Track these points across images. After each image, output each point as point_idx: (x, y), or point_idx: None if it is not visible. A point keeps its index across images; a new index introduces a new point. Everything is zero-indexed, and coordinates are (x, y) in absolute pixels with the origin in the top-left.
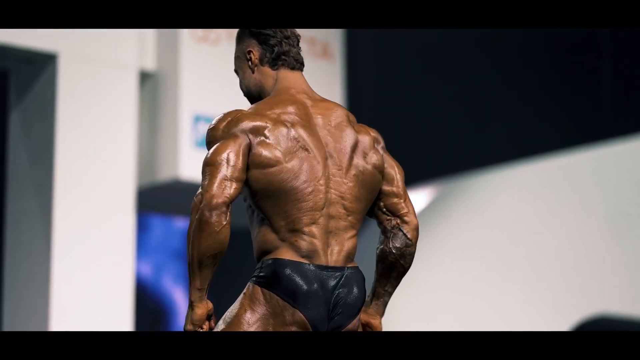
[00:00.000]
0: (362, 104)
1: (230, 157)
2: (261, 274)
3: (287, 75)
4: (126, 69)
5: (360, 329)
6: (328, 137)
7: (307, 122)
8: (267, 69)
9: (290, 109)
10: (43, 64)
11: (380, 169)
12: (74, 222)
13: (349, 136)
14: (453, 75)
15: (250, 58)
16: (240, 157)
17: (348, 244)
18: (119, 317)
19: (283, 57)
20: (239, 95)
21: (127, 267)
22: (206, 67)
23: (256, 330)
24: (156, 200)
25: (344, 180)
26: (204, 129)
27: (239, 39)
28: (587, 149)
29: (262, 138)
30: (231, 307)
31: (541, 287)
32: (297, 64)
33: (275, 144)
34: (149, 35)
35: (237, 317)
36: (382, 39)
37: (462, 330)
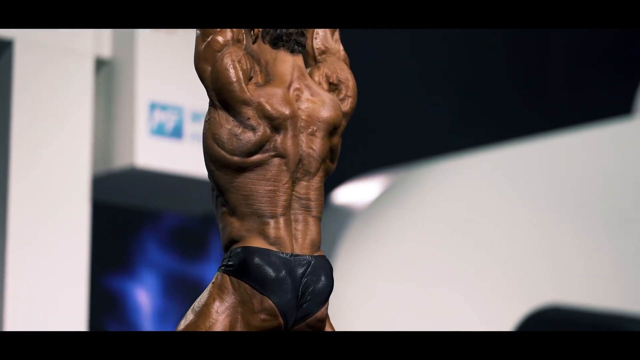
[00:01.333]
0: None
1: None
2: (230, 262)
3: (285, 59)
4: (82, 57)
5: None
6: (304, 142)
7: (290, 126)
8: (267, 47)
9: (279, 108)
10: None
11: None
12: (29, 209)
13: (326, 143)
14: (408, 63)
15: (254, 32)
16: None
17: (312, 233)
18: (73, 304)
19: (285, 37)
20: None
21: (82, 254)
22: (162, 55)
23: (225, 319)
24: (112, 188)
25: (311, 184)
26: (159, 116)
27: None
28: (540, 139)
29: (244, 120)
30: (200, 297)
31: (493, 277)
32: (298, 47)
33: (245, 138)
34: None
35: (206, 306)
36: None
37: (413, 320)
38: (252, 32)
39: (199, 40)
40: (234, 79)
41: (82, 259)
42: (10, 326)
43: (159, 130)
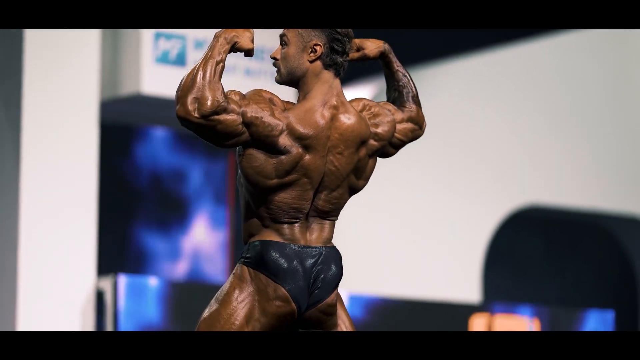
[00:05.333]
0: None
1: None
2: (248, 254)
3: (329, 80)
4: None
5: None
6: (333, 161)
7: (320, 147)
8: (318, 65)
9: (314, 128)
10: None
11: (382, 151)
12: (43, 132)
13: (352, 160)
14: None
15: (315, 50)
16: (265, 113)
17: (325, 232)
18: (83, 226)
19: (337, 65)
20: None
21: (92, 178)
22: None
23: (244, 307)
24: (119, 112)
25: (329, 197)
26: (164, 45)
27: None
28: (516, 45)
29: (277, 147)
30: (222, 287)
31: (475, 178)
32: (342, 72)
33: (280, 161)
34: None
35: (227, 295)
36: None
37: (399, 221)
38: (312, 54)
39: (214, 139)
40: (270, 128)
41: (92, 181)
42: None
43: (163, 58)
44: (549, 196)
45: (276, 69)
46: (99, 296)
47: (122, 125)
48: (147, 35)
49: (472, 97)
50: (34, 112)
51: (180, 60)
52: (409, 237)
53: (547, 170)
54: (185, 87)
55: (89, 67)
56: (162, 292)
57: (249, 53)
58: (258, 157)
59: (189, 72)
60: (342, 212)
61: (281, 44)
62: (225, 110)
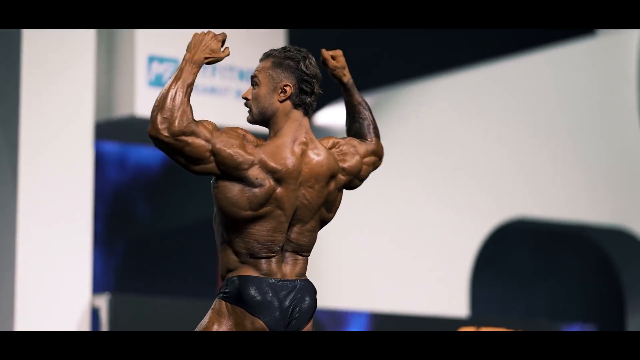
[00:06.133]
0: None
1: (225, 138)
2: (226, 290)
3: (298, 119)
4: None
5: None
6: (305, 195)
7: (291, 180)
8: (287, 105)
9: (284, 162)
10: None
11: (349, 185)
12: (39, 153)
13: (323, 193)
14: None
15: (285, 91)
16: (232, 149)
17: (298, 267)
18: (78, 244)
19: (306, 104)
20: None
21: (86, 195)
22: None
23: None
24: (113, 135)
25: (302, 230)
26: (157, 68)
27: (280, 63)
28: (507, 59)
29: (248, 179)
30: (202, 321)
31: (462, 192)
32: (310, 111)
33: (254, 194)
34: None
35: (206, 329)
36: None
37: (386, 234)
38: (282, 94)
39: (186, 163)
40: (240, 159)
41: (87, 199)
42: (22, 261)
43: (157, 82)
44: (537, 209)
45: (248, 109)
46: (94, 314)
47: (116, 146)
48: (140, 58)
49: (460, 111)
50: (31, 133)
51: None
52: (396, 251)
53: (534, 183)
54: (156, 108)
55: (84, 90)
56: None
57: (222, 58)
58: (232, 188)
59: (160, 93)
60: (329, 226)
61: (252, 85)
62: (194, 134)
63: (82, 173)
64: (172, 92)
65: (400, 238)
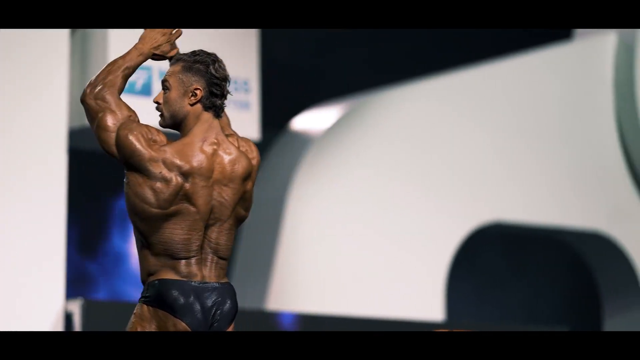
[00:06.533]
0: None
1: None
2: (147, 294)
3: (209, 120)
4: None
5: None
6: (221, 193)
7: (201, 178)
8: (198, 107)
9: (192, 159)
10: None
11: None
12: (13, 157)
13: (239, 191)
14: None
15: (196, 94)
16: (139, 136)
17: (218, 269)
18: (51, 250)
19: (216, 107)
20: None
21: (60, 200)
22: None
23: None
24: (87, 140)
25: (221, 229)
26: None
27: (190, 67)
28: (485, 64)
29: (153, 174)
30: (126, 327)
31: (437, 196)
32: (220, 113)
33: (161, 190)
34: None
35: None
36: None
37: (367, 237)
38: (192, 97)
39: (95, 129)
40: (138, 146)
41: (61, 205)
42: None
43: (129, 89)
44: (512, 213)
45: (159, 113)
46: (68, 318)
47: (90, 152)
48: None
49: (434, 116)
50: (4, 138)
51: (146, 91)
52: (371, 255)
53: (509, 187)
54: (93, 78)
55: (57, 97)
56: None
57: (169, 55)
58: (139, 182)
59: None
60: (318, 232)
61: (163, 89)
62: (110, 110)
63: (56, 177)
64: (109, 67)
65: (374, 242)
